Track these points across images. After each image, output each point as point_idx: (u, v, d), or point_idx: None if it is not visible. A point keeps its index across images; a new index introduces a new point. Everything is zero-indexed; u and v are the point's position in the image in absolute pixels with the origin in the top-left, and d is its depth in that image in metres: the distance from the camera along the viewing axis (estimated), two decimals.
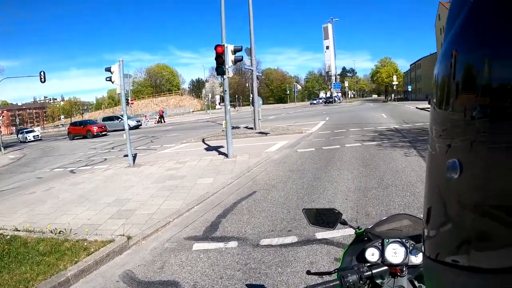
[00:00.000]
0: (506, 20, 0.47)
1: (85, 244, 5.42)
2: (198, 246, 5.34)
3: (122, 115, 34.01)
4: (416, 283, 1.60)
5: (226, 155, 12.78)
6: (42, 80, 30.79)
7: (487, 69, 0.49)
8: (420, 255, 1.75)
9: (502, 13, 0.48)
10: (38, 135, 48.28)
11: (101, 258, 5.05)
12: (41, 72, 30.78)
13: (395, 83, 79.29)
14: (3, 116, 44.37)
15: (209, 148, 15.56)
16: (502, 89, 0.47)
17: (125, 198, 8.24)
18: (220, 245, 5.29)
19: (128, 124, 13.16)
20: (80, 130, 37.25)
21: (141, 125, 44.42)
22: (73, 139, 36.53)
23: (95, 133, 35.98)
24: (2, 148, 29.61)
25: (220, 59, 11.74)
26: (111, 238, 5.64)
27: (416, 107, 38.08)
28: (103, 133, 36.96)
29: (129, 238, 5.69)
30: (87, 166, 15.08)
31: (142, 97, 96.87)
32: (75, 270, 4.67)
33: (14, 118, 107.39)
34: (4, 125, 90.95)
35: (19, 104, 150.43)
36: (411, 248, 1.74)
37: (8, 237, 6.04)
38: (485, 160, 0.50)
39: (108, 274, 4.76)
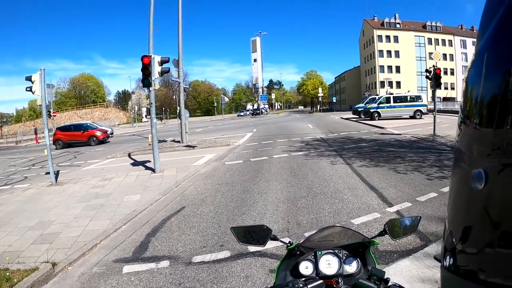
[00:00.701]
0: None
1: (7, 274, 4.91)
2: (128, 268, 5.08)
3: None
4: None
5: (153, 170, 12.43)
6: None
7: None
8: (354, 263, 1.79)
9: None
10: None
11: None
12: None
13: (320, 94, 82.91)
14: None
15: (136, 163, 15.06)
16: None
17: (48, 220, 7.67)
18: (152, 265, 5.08)
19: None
20: (79, 136, 29.28)
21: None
22: (63, 148, 28.90)
23: (101, 139, 29.26)
24: None
25: (146, 70, 11.47)
26: (34, 265, 5.17)
27: (341, 117, 39.91)
28: (107, 139, 30.60)
29: (54, 264, 5.27)
30: (6, 185, 13.89)
31: (66, 109, 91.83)
32: None
33: None
34: None
35: None
36: (344, 258, 1.77)
37: None
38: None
39: None
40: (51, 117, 36.62)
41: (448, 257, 0.70)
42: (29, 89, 11.65)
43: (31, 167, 19.23)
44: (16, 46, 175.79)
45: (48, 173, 12.91)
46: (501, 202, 0.57)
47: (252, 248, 5.17)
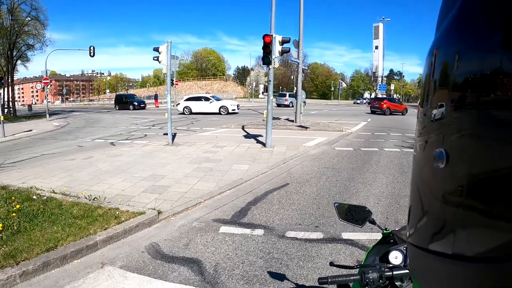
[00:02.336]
0: (477, 19, 0.51)
1: (117, 213, 5.68)
2: (225, 229, 5.48)
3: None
4: None
5: (264, 144, 12.87)
6: (91, 54, 31.88)
7: (456, 64, 0.55)
8: None
9: (475, 14, 0.52)
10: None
11: (130, 228, 5.28)
12: (90, 46, 31.92)
13: None
14: (51, 85, 46.23)
15: (248, 136, 15.69)
16: (466, 83, 0.52)
17: (160, 174, 8.49)
18: (247, 231, 5.40)
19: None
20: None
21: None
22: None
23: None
24: (48, 115, 30.92)
25: (267, 48, 11.77)
26: (142, 210, 5.88)
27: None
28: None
29: (159, 212, 5.90)
30: (127, 140, 15.58)
31: (187, 79, 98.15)
32: (104, 236, 4.92)
33: (61, 88, 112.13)
34: (51, 94, 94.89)
35: (68, 75, 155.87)
36: None
37: (45, 197, 6.41)
38: (468, 147, 0.53)
39: (135, 244, 4.98)
40: (174, 85, 39.52)
41: (412, 232, 0.72)
42: (156, 58, 12.87)
43: (151, 127, 21.14)
44: (144, 19, 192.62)
45: (166, 134, 14.12)
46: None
47: (345, 236, 5.19)
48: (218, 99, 34.13)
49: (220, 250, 4.76)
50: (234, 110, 32.50)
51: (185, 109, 32.39)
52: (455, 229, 0.56)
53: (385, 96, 79.18)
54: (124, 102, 45.85)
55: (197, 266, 4.31)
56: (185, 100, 33.23)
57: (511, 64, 0.45)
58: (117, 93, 57.60)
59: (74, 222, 5.28)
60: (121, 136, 17.38)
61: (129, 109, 43.38)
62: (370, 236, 4.98)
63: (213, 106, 32.06)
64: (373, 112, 35.53)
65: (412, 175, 0.74)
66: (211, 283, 3.94)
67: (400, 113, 35.32)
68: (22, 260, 4.13)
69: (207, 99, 33.00)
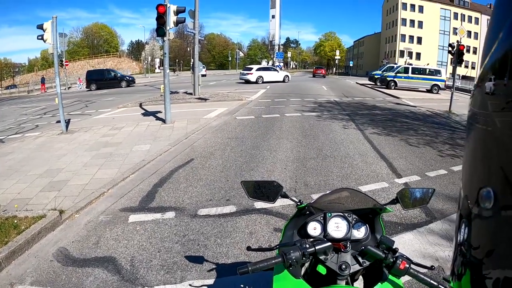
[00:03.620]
0: None
1: (15, 221, 4.94)
2: (134, 217, 5.11)
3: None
4: (360, 258, 1.58)
5: (163, 120, 12.40)
6: None
7: None
8: (363, 229, 1.74)
9: None
10: None
11: (32, 236, 4.65)
12: None
13: (337, 57, 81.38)
14: None
15: (147, 114, 15.05)
16: None
17: (57, 168, 7.72)
18: (157, 216, 5.11)
19: None
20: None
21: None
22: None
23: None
24: None
25: (161, 19, 11.20)
26: (42, 213, 5.21)
27: (356, 82, 39.26)
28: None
29: (61, 212, 5.31)
30: (17, 134, 13.97)
31: (78, 59, 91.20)
32: (6, 252, 4.23)
33: None
34: None
35: None
36: (353, 222, 1.74)
37: None
38: None
39: (41, 253, 4.40)
40: (63, 67, 36.36)
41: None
42: (40, 37, 11.44)
43: (42, 116, 19.35)
44: None
45: (59, 121, 12.96)
46: None
47: (258, 205, 5.18)
48: (281, 69, 43.97)
49: (133, 242, 4.42)
50: (290, 79, 37.95)
51: (259, 78, 33.96)
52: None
53: (282, 63, 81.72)
54: (111, 79, 39.18)
55: (112, 265, 3.95)
56: (257, 70, 35.28)
57: None
58: (92, 69, 50.74)
59: None
60: (10, 130, 15.55)
61: (120, 87, 38.09)
62: (283, 202, 4.99)
63: (280, 75, 36.36)
64: (314, 76, 52.55)
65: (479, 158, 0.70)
66: (130, 280, 3.64)
67: (322, 76, 53.50)
68: None
69: (274, 69, 38.34)
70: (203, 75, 36.02)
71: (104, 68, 51.02)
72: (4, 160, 9.00)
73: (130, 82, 39.92)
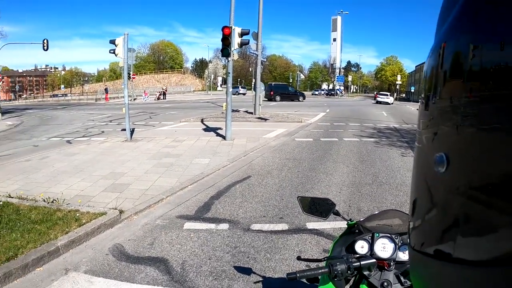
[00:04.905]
0: (491, 9, 0.49)
1: (77, 215, 5.41)
2: (189, 225, 5.37)
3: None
4: (402, 278, 1.64)
5: (224, 137, 12.77)
6: (45, 48, 30.21)
7: (471, 55, 0.52)
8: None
9: (487, 6, 0.50)
10: None
11: (92, 230, 5.05)
12: (44, 39, 30.16)
13: (398, 82, 79.20)
14: (3, 82, 44.05)
15: (208, 129, 15.54)
16: (485, 74, 0.49)
17: (120, 172, 8.24)
18: (211, 226, 5.32)
19: None
20: None
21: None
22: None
23: None
24: (0, 114, 29.40)
25: (226, 41, 11.66)
26: (103, 210, 5.64)
27: (417, 109, 38.08)
28: None
29: (121, 212, 5.70)
30: (84, 137, 15.04)
31: (144, 73, 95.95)
32: (66, 240, 4.67)
33: (14, 84, 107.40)
34: (3, 91, 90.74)
35: (20, 70, 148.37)
36: (400, 244, 1.78)
37: (1, 203, 6.03)
38: (472, 145, 0.51)
39: (98, 247, 4.78)
40: (131, 79, 38.61)
41: (414, 236, 0.72)
42: (112, 51, 12.41)
43: (108, 123, 20.56)
44: (100, 11, 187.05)
45: (124, 129, 13.73)
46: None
47: (310, 225, 5.22)
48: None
49: (186, 247, 4.65)
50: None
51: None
52: (458, 232, 0.55)
53: (342, 87, 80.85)
54: (292, 94, 45.81)
55: (164, 265, 4.19)
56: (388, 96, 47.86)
57: None
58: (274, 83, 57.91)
59: (33, 227, 4.98)
60: (78, 133, 16.74)
61: (298, 100, 44.37)
62: (334, 225, 5.04)
63: (390, 100, 47.30)
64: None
65: (413, 170, 0.71)
66: (179, 281, 3.84)
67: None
68: None
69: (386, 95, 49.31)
70: (243, 94, 37.19)
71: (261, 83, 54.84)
72: (71, 159, 9.71)
73: (304, 97, 46.19)
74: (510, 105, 0.46)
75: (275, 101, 40.49)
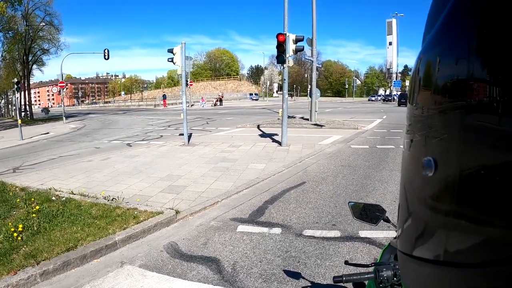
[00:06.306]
0: (457, 25, 0.52)
1: (135, 213, 5.73)
2: (242, 228, 5.49)
3: None
4: None
5: (279, 143, 12.85)
6: (106, 57, 32.01)
7: (438, 66, 0.55)
8: None
9: (457, 21, 0.53)
10: None
11: (148, 227, 5.33)
12: (105, 49, 32.04)
13: None
14: (66, 89, 46.89)
15: (264, 135, 15.69)
16: (447, 85, 0.53)
17: (177, 175, 8.55)
18: (264, 229, 5.40)
19: None
20: None
21: None
22: None
23: None
24: (64, 118, 31.38)
25: (281, 47, 11.76)
26: (160, 210, 5.92)
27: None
28: None
29: (177, 212, 5.94)
30: (143, 141, 15.73)
31: (201, 80, 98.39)
32: (123, 236, 4.97)
33: (77, 91, 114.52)
34: (67, 97, 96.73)
35: (82, 78, 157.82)
36: None
37: (64, 198, 6.50)
38: (447, 152, 0.54)
39: (153, 243, 5.03)
40: (188, 86, 39.90)
41: (402, 240, 0.72)
42: (170, 60, 12.97)
43: (166, 128, 21.30)
44: (157, 21, 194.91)
45: (181, 134, 14.23)
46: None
47: (362, 234, 5.15)
48: None
49: (238, 248, 4.77)
50: None
51: None
52: (442, 235, 0.56)
53: (400, 92, 78.47)
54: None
55: (215, 265, 4.33)
56: None
57: (482, 70, 0.46)
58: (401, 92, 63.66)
59: (93, 222, 5.35)
60: (137, 137, 17.53)
61: None
62: (387, 234, 4.93)
63: None
64: None
65: (401, 174, 0.73)
66: (229, 281, 3.96)
67: None
68: (43, 260, 4.20)
69: None
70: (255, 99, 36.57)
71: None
72: (131, 161, 10.19)
73: None
74: (465, 116, 0.49)
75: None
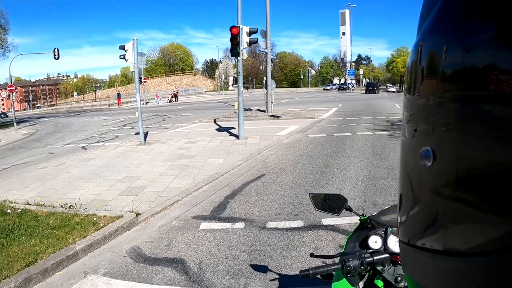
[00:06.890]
0: (464, 14, 0.50)
1: (94, 219, 5.51)
2: (205, 225, 5.42)
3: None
4: None
5: (237, 136, 12.81)
6: (56, 57, 30.58)
7: (445, 56, 0.53)
8: None
9: (460, 9, 0.51)
10: None
11: (109, 233, 5.14)
12: (55, 49, 30.51)
13: None
14: (16, 92, 44.81)
15: (221, 129, 15.60)
16: (456, 75, 0.50)
17: (135, 175, 8.34)
18: (227, 225, 5.36)
19: None
20: None
21: None
22: None
23: None
24: (15, 124, 29.94)
25: (235, 40, 11.71)
26: (120, 214, 5.73)
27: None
28: None
29: (137, 214, 5.78)
30: (98, 142, 15.27)
31: (155, 76, 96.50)
32: (84, 244, 4.77)
33: (27, 94, 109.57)
34: (17, 101, 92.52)
35: (33, 80, 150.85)
36: None
37: (19, 210, 6.14)
38: (450, 142, 0.52)
39: (115, 249, 4.86)
40: (142, 83, 39.12)
41: (403, 229, 0.72)
42: (122, 57, 12.58)
43: (122, 127, 20.79)
44: (108, 18, 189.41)
45: (137, 133, 13.91)
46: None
47: (325, 222, 5.22)
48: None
49: (202, 247, 4.70)
50: None
51: None
52: (446, 224, 0.55)
53: (354, 80, 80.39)
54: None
55: (181, 266, 4.25)
56: None
57: (504, 60, 0.43)
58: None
59: (52, 233, 5.09)
60: (92, 139, 16.98)
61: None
62: (350, 220, 5.01)
63: None
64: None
65: (400, 163, 0.71)
66: (196, 281, 3.89)
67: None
68: (3, 279, 3.93)
69: None
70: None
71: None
72: (86, 164, 9.87)
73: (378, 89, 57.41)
74: (479, 105, 0.47)
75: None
